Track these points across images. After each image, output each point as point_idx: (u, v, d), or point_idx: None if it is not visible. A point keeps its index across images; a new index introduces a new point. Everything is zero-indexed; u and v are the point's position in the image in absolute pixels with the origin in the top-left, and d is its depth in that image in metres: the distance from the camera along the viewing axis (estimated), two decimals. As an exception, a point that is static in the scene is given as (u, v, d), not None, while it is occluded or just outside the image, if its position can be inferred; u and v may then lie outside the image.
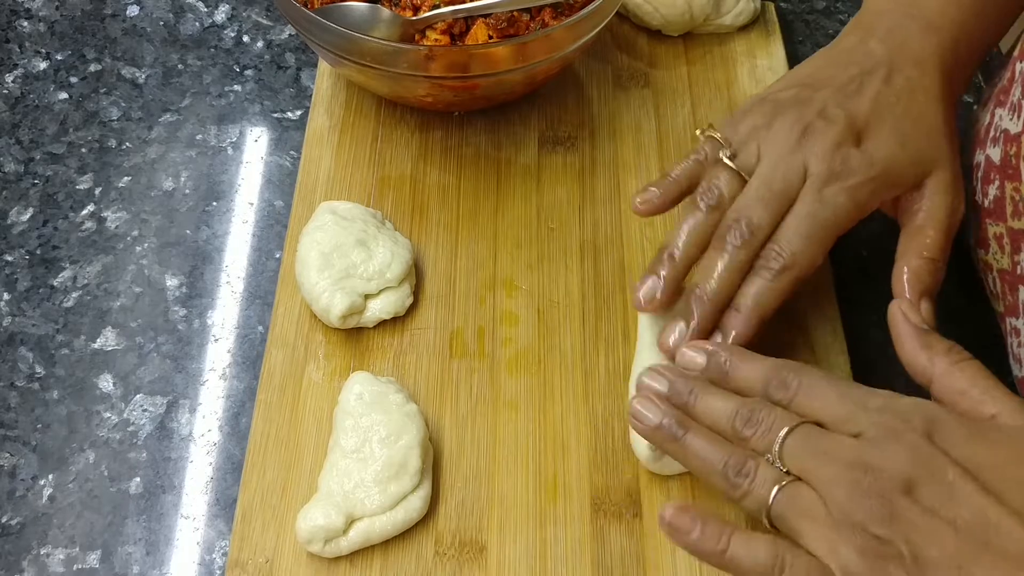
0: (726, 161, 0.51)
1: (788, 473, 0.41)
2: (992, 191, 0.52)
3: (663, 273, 0.51)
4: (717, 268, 0.50)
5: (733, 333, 0.49)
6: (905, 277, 0.50)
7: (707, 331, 0.50)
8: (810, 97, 0.52)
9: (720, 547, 0.40)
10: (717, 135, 0.53)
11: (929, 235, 0.51)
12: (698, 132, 0.54)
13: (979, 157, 0.55)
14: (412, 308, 0.58)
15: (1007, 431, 0.39)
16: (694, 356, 0.47)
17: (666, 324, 0.51)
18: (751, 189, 0.50)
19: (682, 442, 0.44)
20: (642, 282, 0.52)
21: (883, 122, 0.51)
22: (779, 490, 0.40)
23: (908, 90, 0.51)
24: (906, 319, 0.45)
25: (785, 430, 0.41)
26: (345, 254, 0.56)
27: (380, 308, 0.56)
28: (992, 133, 0.54)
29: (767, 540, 0.40)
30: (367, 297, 0.56)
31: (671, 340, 0.50)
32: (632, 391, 0.51)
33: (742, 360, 0.46)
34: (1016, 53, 0.53)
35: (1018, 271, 0.51)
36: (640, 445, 0.51)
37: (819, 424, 0.41)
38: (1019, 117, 0.50)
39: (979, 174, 0.55)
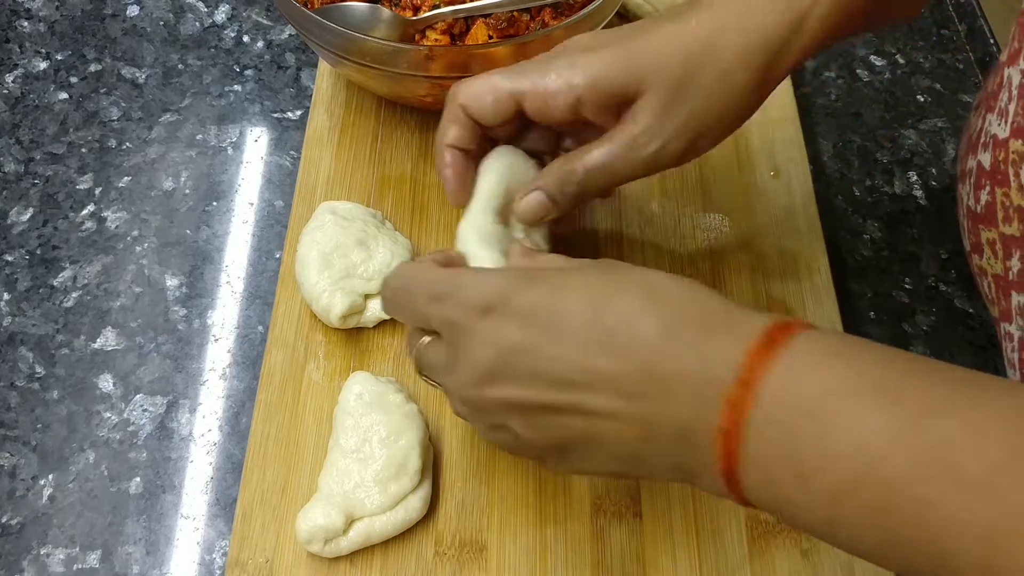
0: None
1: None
2: (984, 196, 0.52)
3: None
4: None
5: None
6: (520, 204, 0.49)
7: None
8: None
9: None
10: None
11: (574, 165, 0.47)
12: None
13: (971, 163, 0.55)
14: (412, 308, 0.58)
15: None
16: None
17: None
18: None
19: None
20: None
21: (619, 32, 0.47)
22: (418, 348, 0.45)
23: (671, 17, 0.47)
24: None
25: None
26: (345, 254, 0.56)
27: (380, 308, 0.56)
28: (983, 138, 0.53)
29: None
30: (367, 297, 0.56)
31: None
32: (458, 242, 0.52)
33: None
34: (1004, 58, 0.53)
35: (1009, 276, 0.51)
36: None
37: None
38: (1007, 122, 0.50)
39: (972, 180, 0.55)
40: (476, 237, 0.49)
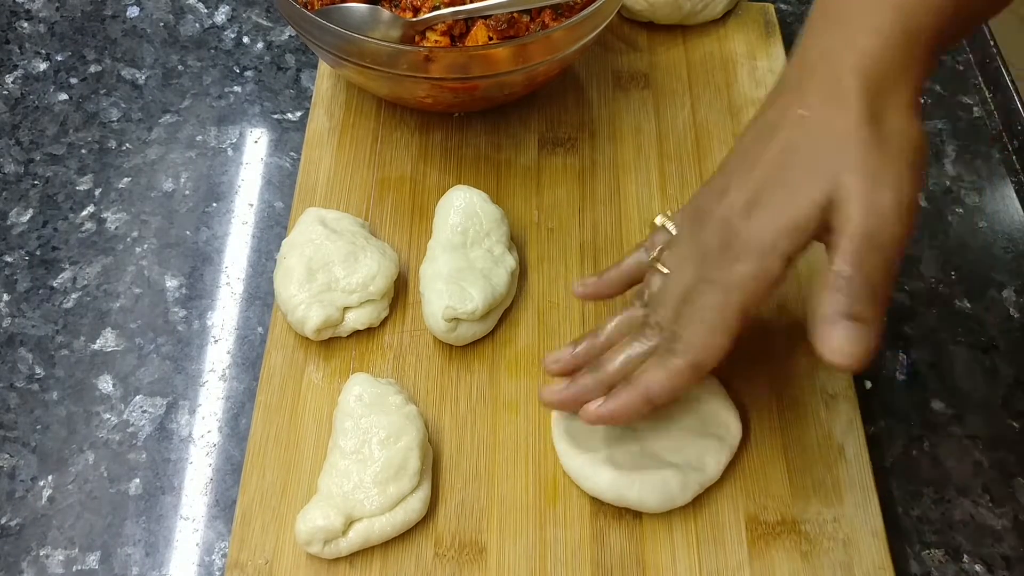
0: (657, 265, 0.50)
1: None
2: None
3: (579, 348, 0.52)
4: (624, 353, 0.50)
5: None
6: (822, 296, 0.45)
7: (585, 399, 0.50)
8: (719, 198, 0.48)
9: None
10: (669, 225, 0.51)
11: (840, 245, 0.44)
12: (657, 220, 0.52)
13: None
14: (412, 309, 0.58)
15: None
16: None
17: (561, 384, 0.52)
18: (662, 292, 0.50)
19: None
20: (556, 352, 0.53)
21: (772, 191, 0.46)
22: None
23: (809, 138, 0.46)
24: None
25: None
26: (329, 269, 0.56)
27: (355, 319, 0.56)
28: None
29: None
30: (346, 309, 0.56)
31: (551, 392, 0.51)
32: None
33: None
34: None
35: None
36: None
37: None
38: None
39: None
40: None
